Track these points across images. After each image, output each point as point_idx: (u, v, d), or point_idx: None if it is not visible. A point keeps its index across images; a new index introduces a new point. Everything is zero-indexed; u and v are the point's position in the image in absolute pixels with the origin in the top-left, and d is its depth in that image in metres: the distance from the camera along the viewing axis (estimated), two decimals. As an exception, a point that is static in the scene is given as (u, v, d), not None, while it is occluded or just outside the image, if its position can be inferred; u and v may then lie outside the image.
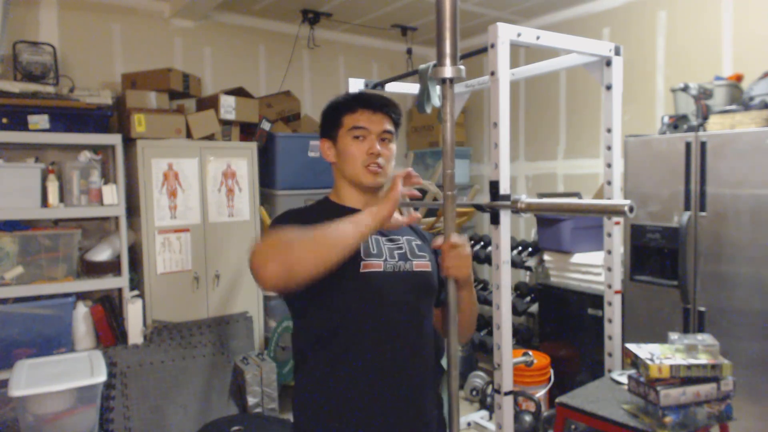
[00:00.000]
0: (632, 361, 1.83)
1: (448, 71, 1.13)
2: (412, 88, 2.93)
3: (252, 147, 3.53)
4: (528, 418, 2.89)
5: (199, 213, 3.33)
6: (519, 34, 1.93)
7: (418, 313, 1.35)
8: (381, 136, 1.34)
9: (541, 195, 3.88)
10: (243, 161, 3.48)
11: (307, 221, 1.21)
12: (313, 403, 1.31)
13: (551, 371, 3.18)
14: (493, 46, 1.89)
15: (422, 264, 1.38)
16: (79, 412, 2.65)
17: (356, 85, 2.73)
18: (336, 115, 1.37)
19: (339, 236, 1.12)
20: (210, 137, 3.39)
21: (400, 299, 1.32)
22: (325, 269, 1.10)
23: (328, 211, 1.34)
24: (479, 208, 1.98)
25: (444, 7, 1.08)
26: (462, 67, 1.13)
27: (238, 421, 2.79)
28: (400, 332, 1.32)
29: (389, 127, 1.36)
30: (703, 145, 2.52)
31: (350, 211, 1.30)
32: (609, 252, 2.32)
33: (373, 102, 1.35)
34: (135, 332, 3.05)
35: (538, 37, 1.99)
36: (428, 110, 2.34)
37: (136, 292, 3.19)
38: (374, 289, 1.31)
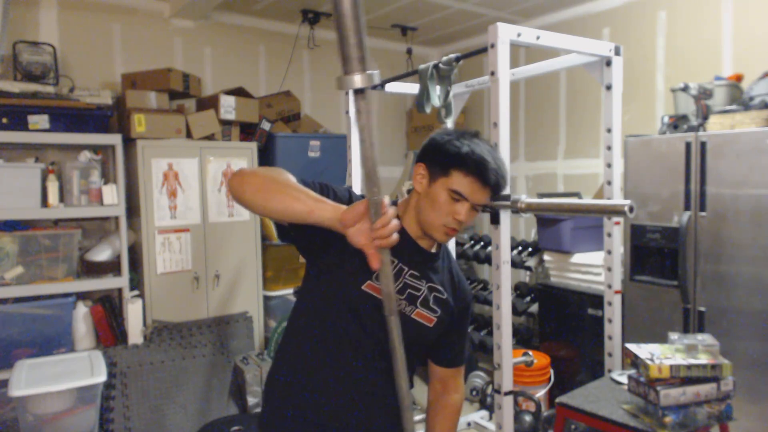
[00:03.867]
0: (632, 361, 1.83)
1: (357, 81, 0.85)
2: (412, 88, 2.93)
3: (252, 147, 3.53)
4: (528, 418, 2.89)
5: (199, 213, 3.33)
6: (519, 34, 1.93)
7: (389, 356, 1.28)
8: (475, 206, 1.31)
9: (541, 195, 3.87)
10: (243, 161, 3.48)
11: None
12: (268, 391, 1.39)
13: (551, 371, 3.18)
14: (493, 46, 1.89)
15: (425, 316, 1.33)
16: (79, 412, 2.65)
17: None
18: (448, 161, 1.29)
19: (291, 198, 1.11)
20: (210, 137, 3.39)
21: (379, 335, 1.24)
22: (260, 213, 1.18)
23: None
24: (479, 208, 1.98)
25: (342, 4, 0.86)
26: (375, 72, 0.87)
27: (237, 421, 2.80)
28: (367, 366, 1.29)
29: (486, 200, 1.32)
30: (703, 145, 2.52)
31: (407, 237, 1.33)
32: (609, 252, 2.32)
33: (489, 176, 1.28)
34: (135, 332, 3.05)
35: (538, 37, 1.99)
36: (428, 110, 2.34)
37: (136, 292, 3.19)
38: (360, 311, 1.27)
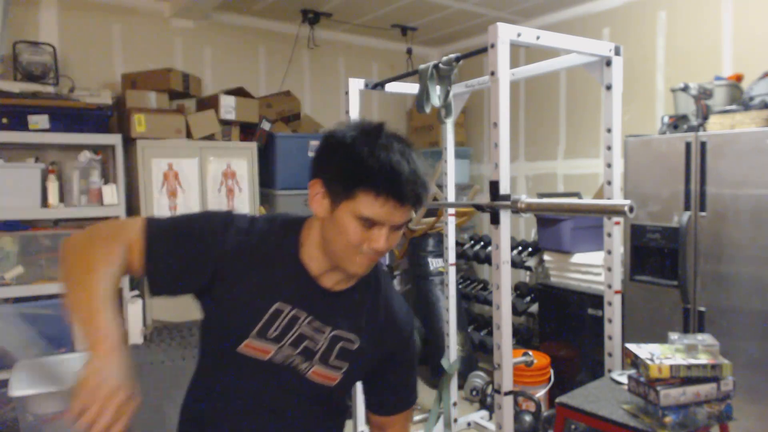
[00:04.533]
0: (632, 361, 1.83)
1: None
2: (412, 88, 2.93)
3: (252, 147, 3.53)
4: (528, 418, 2.89)
5: (199, 213, 3.33)
6: (519, 34, 1.93)
7: (286, 420, 1.13)
8: (397, 226, 1.04)
9: (541, 195, 3.87)
10: (243, 161, 3.48)
11: (242, 262, 1.05)
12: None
13: (551, 371, 3.18)
14: (493, 46, 1.89)
15: (324, 375, 1.12)
16: (79, 412, 2.65)
17: (356, 85, 2.73)
18: (350, 179, 0.99)
19: (74, 301, 0.94)
20: (210, 137, 3.39)
21: (266, 400, 1.11)
22: None
23: (286, 262, 1.09)
24: (479, 208, 1.98)
25: None
26: None
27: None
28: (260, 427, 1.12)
29: (407, 218, 1.05)
30: (703, 145, 2.52)
31: (303, 275, 1.09)
32: (609, 252, 2.32)
33: (406, 194, 1.00)
34: (135, 332, 3.05)
35: (538, 37, 1.99)
36: (428, 110, 2.33)
37: (136, 292, 3.19)
38: (240, 374, 1.09)
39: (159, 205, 3.18)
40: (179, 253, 1.04)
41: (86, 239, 1.03)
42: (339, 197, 1.01)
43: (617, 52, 2.22)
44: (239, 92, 3.60)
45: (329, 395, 1.15)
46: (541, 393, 3.06)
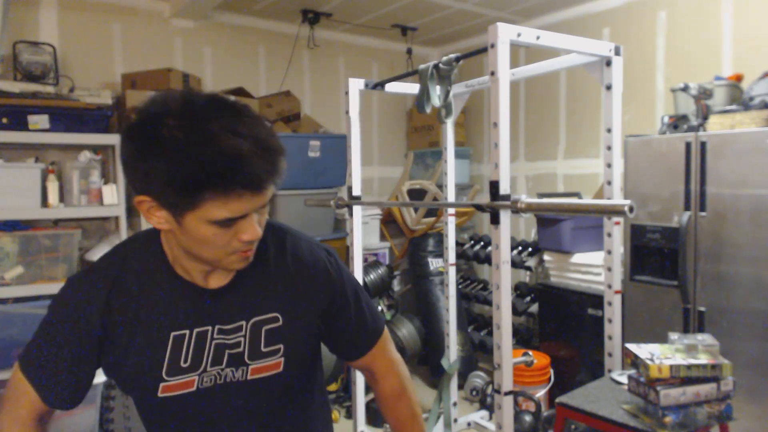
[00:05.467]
0: (632, 361, 1.83)
1: None
2: (412, 88, 2.93)
3: (252, 147, 3.53)
4: (528, 418, 2.89)
5: (199, 213, 3.33)
6: (519, 34, 1.93)
7: (268, 417, 1.06)
8: (261, 207, 0.91)
9: (541, 195, 3.88)
10: (243, 161, 3.47)
11: (115, 314, 0.95)
12: None
13: (551, 371, 3.18)
14: (493, 46, 1.89)
15: (265, 365, 1.00)
16: (79, 412, 2.65)
17: (356, 85, 2.73)
18: (187, 188, 0.81)
19: None
20: (210, 137, 3.39)
21: (226, 421, 1.02)
22: None
23: (159, 280, 0.98)
24: (479, 208, 1.98)
25: None
26: None
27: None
28: None
29: (270, 193, 0.91)
30: (703, 145, 2.52)
31: (185, 287, 0.98)
32: (609, 252, 2.32)
33: (260, 177, 0.85)
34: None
35: (538, 37, 1.99)
36: (428, 110, 2.33)
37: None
38: (181, 416, 1.00)
39: (159, 205, 3.18)
40: (58, 365, 0.96)
41: None
42: (179, 209, 0.84)
43: (617, 52, 2.22)
44: (239, 92, 3.60)
45: (288, 385, 1.05)
46: (541, 393, 3.06)
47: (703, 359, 1.73)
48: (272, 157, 0.86)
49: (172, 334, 0.97)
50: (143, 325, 0.96)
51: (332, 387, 3.49)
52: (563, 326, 3.34)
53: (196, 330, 0.97)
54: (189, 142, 0.80)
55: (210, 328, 0.98)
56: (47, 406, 1.00)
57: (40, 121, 2.89)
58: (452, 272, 3.11)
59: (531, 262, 3.70)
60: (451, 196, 3.04)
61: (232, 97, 0.91)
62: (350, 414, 3.16)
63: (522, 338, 3.80)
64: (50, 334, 0.97)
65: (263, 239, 1.00)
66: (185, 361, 0.96)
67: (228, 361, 0.99)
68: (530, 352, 2.30)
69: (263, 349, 1.00)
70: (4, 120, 2.82)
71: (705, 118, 2.63)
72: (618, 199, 2.25)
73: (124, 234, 3.09)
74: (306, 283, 1.05)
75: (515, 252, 3.75)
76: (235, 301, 1.00)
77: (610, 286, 2.31)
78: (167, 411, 1.00)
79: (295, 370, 1.05)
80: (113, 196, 3.04)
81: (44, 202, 2.91)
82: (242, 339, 0.99)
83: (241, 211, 0.86)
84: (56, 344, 0.96)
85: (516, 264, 3.67)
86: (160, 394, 0.96)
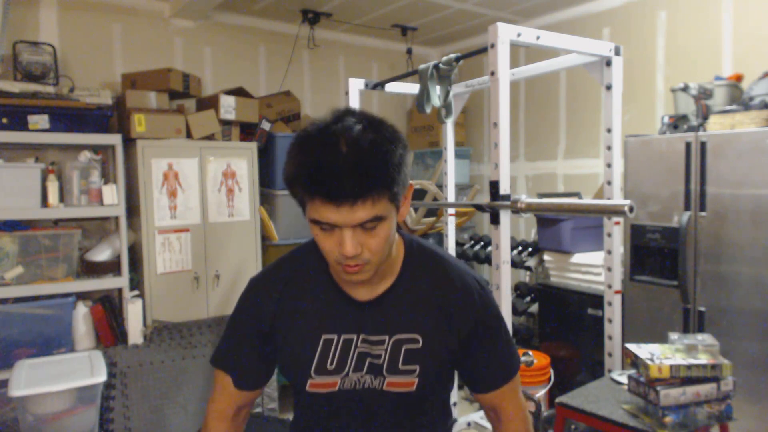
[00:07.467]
0: (632, 361, 1.83)
1: None
2: (412, 88, 2.93)
3: (252, 147, 3.53)
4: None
5: (199, 213, 3.33)
6: (519, 34, 1.93)
7: (393, 428, 1.12)
8: (362, 225, 0.92)
9: (541, 195, 3.87)
10: (243, 161, 3.48)
11: (282, 309, 1.09)
12: None
13: (551, 371, 3.18)
14: (493, 46, 1.89)
15: (400, 382, 1.06)
16: (79, 412, 2.65)
17: (356, 86, 2.73)
18: (293, 186, 0.94)
19: None
20: (210, 137, 3.39)
21: (362, 420, 1.10)
22: None
23: (319, 285, 1.09)
24: (479, 208, 1.98)
25: None
26: None
27: (238, 421, 2.79)
28: None
29: (370, 214, 0.90)
30: (703, 145, 2.52)
31: (339, 295, 1.07)
32: (609, 252, 2.32)
33: (335, 192, 0.87)
34: (135, 332, 3.05)
35: (538, 37, 1.99)
36: (428, 110, 2.34)
37: (136, 292, 3.19)
38: (322, 411, 1.12)
39: (159, 206, 3.18)
40: (246, 348, 1.14)
41: None
42: (301, 204, 0.97)
43: (617, 52, 2.22)
44: (239, 92, 3.60)
45: (419, 401, 1.10)
46: (541, 393, 3.06)
47: (703, 359, 1.73)
48: (358, 177, 0.87)
49: (323, 336, 1.07)
50: (300, 325, 1.08)
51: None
52: (563, 326, 3.34)
53: (343, 336, 1.06)
54: (294, 145, 0.94)
55: (355, 336, 1.06)
56: (239, 390, 1.16)
57: (40, 121, 2.89)
58: (452, 272, 3.10)
59: (531, 262, 3.70)
60: (451, 196, 3.04)
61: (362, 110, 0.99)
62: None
63: (522, 338, 3.80)
64: (236, 329, 1.16)
65: (412, 259, 1.09)
66: (331, 364, 1.06)
67: (368, 369, 1.06)
68: (530, 352, 2.31)
69: (401, 367, 1.06)
70: (4, 120, 2.82)
71: (705, 118, 2.63)
72: (618, 199, 2.25)
73: (124, 234, 3.09)
74: (451, 307, 1.08)
75: (515, 252, 3.75)
76: (381, 316, 1.06)
77: (610, 286, 2.31)
78: (315, 403, 1.11)
79: (428, 391, 1.09)
80: (113, 196, 3.04)
81: (44, 202, 2.91)
82: (383, 353, 1.06)
83: (327, 219, 0.90)
84: (240, 337, 1.15)
85: (516, 264, 3.67)
86: (308, 389, 1.08)
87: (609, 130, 2.26)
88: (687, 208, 2.59)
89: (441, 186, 3.15)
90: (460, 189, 4.34)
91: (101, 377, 2.62)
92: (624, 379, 2.03)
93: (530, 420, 1.22)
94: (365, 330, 1.06)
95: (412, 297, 1.07)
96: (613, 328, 2.31)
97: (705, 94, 2.69)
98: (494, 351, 1.13)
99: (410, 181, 1.01)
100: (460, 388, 3.41)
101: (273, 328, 1.10)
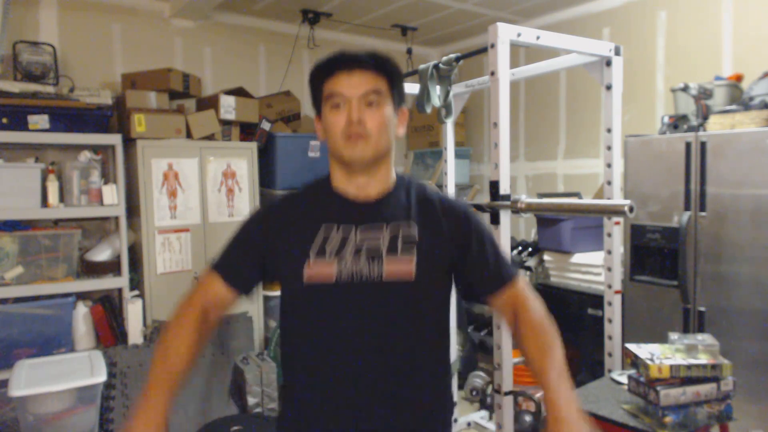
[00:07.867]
0: (632, 361, 1.83)
1: None
2: (412, 88, 2.93)
3: (252, 147, 3.53)
4: (528, 418, 2.89)
5: (199, 213, 3.33)
6: (519, 34, 1.93)
7: (396, 336, 1.12)
8: (365, 99, 1.11)
9: (541, 195, 3.87)
10: (243, 161, 3.48)
11: (281, 216, 1.20)
12: (292, 401, 1.22)
13: (551, 371, 3.18)
14: (493, 46, 1.89)
15: (398, 268, 1.10)
16: (79, 412, 2.65)
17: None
18: (317, 83, 1.17)
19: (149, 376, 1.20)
20: (210, 137, 3.39)
21: (358, 320, 1.10)
22: None
23: (320, 194, 1.22)
24: (479, 208, 1.98)
25: None
26: None
27: (238, 421, 2.79)
28: (368, 361, 1.10)
29: (374, 86, 1.11)
30: (703, 145, 2.52)
31: (339, 198, 1.18)
32: (609, 252, 2.32)
33: (347, 59, 1.12)
34: (135, 332, 3.05)
35: (538, 37, 1.99)
36: (428, 110, 2.34)
37: (136, 292, 3.19)
38: (321, 312, 1.12)
39: (159, 206, 3.18)
40: (239, 251, 1.23)
41: (172, 319, 1.25)
42: (319, 104, 1.17)
43: (617, 52, 2.22)
44: (239, 92, 3.60)
45: (413, 293, 1.11)
46: (541, 393, 3.06)
47: (703, 359, 1.73)
48: (370, 54, 1.14)
49: (324, 224, 1.15)
50: (301, 221, 1.17)
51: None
52: (563, 326, 3.29)
53: (342, 225, 1.14)
54: (324, 59, 1.17)
55: (353, 227, 1.13)
56: (221, 282, 1.20)
57: (40, 121, 2.89)
58: (452, 272, 3.10)
59: (531, 262, 3.70)
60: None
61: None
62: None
63: (522, 338, 3.80)
64: (237, 239, 1.24)
65: (403, 181, 1.22)
66: (329, 244, 1.12)
67: (366, 254, 1.10)
68: (530, 352, 2.30)
69: (398, 249, 1.11)
70: (4, 120, 2.82)
71: (705, 118, 2.63)
72: (618, 199, 2.25)
73: (124, 234, 3.09)
74: (446, 216, 1.19)
75: (515, 252, 3.75)
76: (378, 213, 1.16)
77: (610, 286, 2.31)
78: (310, 304, 1.13)
79: (425, 288, 1.13)
80: (113, 196, 3.04)
81: (44, 202, 2.91)
82: (381, 237, 1.12)
83: (340, 87, 1.11)
84: (238, 246, 1.24)
85: (516, 264, 3.67)
86: (305, 280, 1.10)
87: (609, 130, 2.26)
88: (687, 208, 2.59)
89: (441, 186, 3.15)
90: (460, 189, 4.34)
91: (101, 377, 2.62)
92: (624, 379, 2.03)
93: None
94: (364, 221, 1.14)
95: (406, 203, 1.19)
96: (613, 328, 2.31)
97: (705, 94, 2.69)
98: (495, 255, 1.22)
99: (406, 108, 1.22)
100: (460, 387, 3.41)
101: (272, 233, 1.18)
